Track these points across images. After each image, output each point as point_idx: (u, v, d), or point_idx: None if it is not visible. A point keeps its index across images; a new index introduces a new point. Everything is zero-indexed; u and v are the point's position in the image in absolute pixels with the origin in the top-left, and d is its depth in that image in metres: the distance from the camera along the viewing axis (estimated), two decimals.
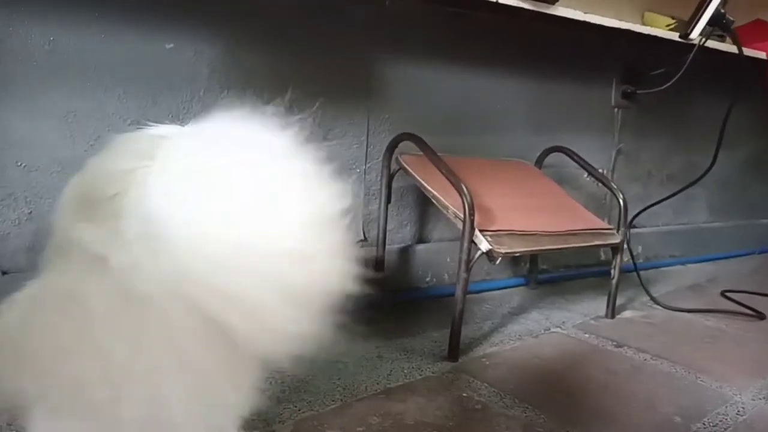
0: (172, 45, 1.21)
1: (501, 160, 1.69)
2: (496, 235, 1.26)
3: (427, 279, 1.64)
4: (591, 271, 1.99)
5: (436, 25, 1.59)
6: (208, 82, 1.27)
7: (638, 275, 1.83)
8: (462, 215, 1.23)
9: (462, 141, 1.69)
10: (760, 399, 1.15)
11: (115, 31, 1.15)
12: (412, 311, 1.53)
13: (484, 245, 1.20)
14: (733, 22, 1.61)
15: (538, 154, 1.76)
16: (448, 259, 1.65)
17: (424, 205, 1.62)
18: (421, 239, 1.64)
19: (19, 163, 1.10)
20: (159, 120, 1.22)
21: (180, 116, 1.24)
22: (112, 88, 1.16)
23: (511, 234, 1.30)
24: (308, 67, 1.40)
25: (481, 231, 1.24)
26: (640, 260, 2.17)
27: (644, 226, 2.20)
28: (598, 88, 1.99)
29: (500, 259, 1.22)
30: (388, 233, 1.50)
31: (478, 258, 1.23)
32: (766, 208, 2.69)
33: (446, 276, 1.66)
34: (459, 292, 1.23)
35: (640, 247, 2.17)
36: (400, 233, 1.54)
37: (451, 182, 1.25)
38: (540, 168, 1.75)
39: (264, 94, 1.35)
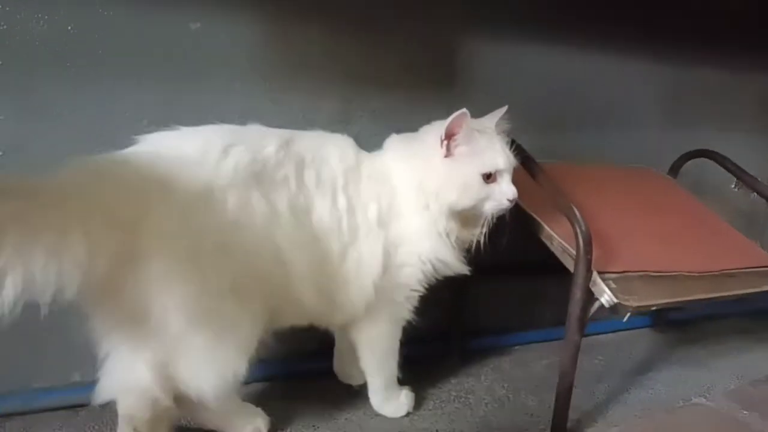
0: (198, 24, 0.96)
1: (623, 168, 1.31)
2: (623, 279, 0.90)
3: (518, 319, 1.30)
4: (739, 310, 1.54)
5: None
6: (245, 71, 1.00)
7: None
8: (573, 250, 0.88)
9: (570, 142, 1.33)
10: None
11: (126, 7, 0.91)
12: (498, 364, 1.19)
13: (605, 297, 0.85)
14: None
15: (673, 159, 1.36)
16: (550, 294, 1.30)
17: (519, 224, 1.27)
18: (512, 267, 1.27)
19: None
20: (181, 119, 0.98)
21: (210, 114, 0.98)
22: (124, 79, 0.93)
23: (645, 276, 0.93)
24: (374, 50, 1.10)
25: (601, 274, 0.88)
26: None
27: None
28: (755, 70, 1.53)
29: (630, 314, 0.87)
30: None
31: (595, 311, 0.88)
32: None
33: (548, 314, 1.30)
34: (567, 360, 0.89)
35: None
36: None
37: (558, 204, 0.91)
38: (675, 177, 1.34)
39: (317, 86, 1.07)
